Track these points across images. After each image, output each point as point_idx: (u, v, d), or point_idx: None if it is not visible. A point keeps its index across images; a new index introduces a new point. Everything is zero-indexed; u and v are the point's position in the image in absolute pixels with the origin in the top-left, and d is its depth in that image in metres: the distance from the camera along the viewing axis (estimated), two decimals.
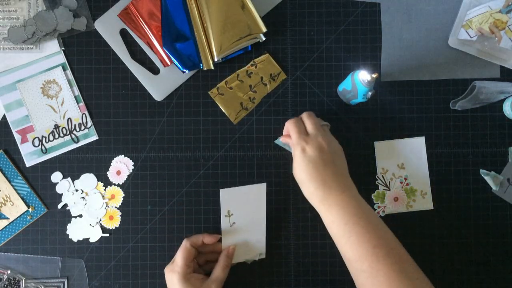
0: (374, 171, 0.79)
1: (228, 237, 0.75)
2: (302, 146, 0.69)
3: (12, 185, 0.79)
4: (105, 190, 0.80)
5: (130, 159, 0.80)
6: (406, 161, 0.77)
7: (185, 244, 0.72)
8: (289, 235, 0.79)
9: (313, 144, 0.69)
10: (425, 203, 0.78)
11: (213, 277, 0.71)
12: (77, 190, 0.80)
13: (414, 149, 0.77)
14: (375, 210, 0.78)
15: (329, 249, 0.79)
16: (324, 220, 0.69)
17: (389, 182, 0.78)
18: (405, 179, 0.78)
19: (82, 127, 0.80)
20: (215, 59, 0.78)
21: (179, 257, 0.71)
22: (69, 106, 0.80)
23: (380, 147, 0.78)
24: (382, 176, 0.78)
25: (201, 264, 0.75)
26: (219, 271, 0.71)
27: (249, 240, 0.75)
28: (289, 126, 0.72)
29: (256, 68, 0.80)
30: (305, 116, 0.73)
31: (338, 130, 0.80)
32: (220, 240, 0.75)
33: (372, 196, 0.78)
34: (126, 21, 0.80)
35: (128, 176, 0.80)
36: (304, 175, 0.69)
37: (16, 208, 0.79)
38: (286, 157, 0.80)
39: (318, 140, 0.70)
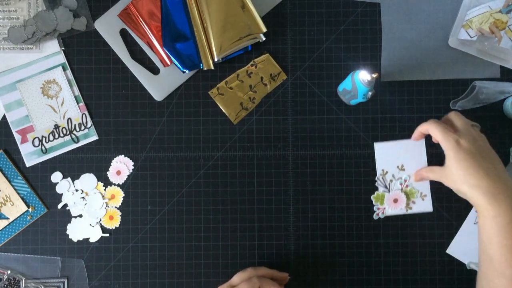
0: (374, 172, 0.79)
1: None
2: (455, 139, 0.65)
3: (12, 185, 0.79)
4: (105, 190, 0.80)
5: (130, 159, 0.80)
6: (406, 162, 0.77)
7: (254, 281, 0.68)
8: (289, 235, 0.79)
9: (466, 136, 0.66)
10: (424, 205, 0.77)
11: None
12: (77, 190, 0.80)
13: (414, 151, 0.77)
14: (374, 211, 0.79)
15: (329, 249, 0.79)
16: (481, 213, 0.63)
17: (389, 184, 0.78)
18: (405, 180, 0.77)
19: (82, 127, 0.80)
20: (215, 59, 0.78)
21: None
22: (69, 106, 0.80)
23: (380, 148, 0.78)
24: (382, 177, 0.78)
25: None
26: None
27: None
28: (432, 125, 0.68)
29: (256, 68, 0.80)
30: (452, 115, 0.70)
31: (338, 130, 0.80)
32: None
33: (372, 198, 0.78)
34: (126, 21, 0.80)
35: (128, 176, 0.80)
36: (464, 167, 0.64)
37: (16, 208, 0.79)
38: (286, 157, 0.80)
39: (471, 132, 0.67)
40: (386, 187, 0.78)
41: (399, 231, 0.79)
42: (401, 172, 0.77)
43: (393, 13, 0.81)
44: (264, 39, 0.79)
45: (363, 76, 0.70)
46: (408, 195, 0.77)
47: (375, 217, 0.78)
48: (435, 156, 0.79)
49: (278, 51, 0.81)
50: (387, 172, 0.77)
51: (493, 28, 0.78)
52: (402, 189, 0.77)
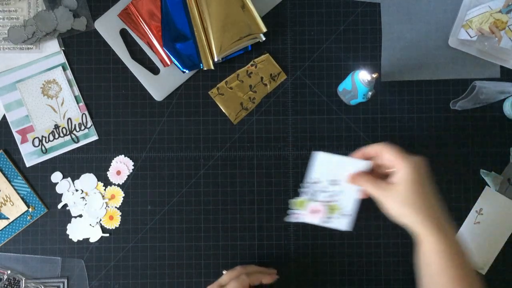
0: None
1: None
2: (415, 161, 0.62)
3: (12, 185, 0.79)
4: (105, 190, 0.80)
5: (130, 159, 0.80)
6: (341, 179, 0.69)
7: (243, 278, 0.69)
8: (289, 235, 0.79)
9: (423, 161, 0.63)
10: (340, 223, 0.70)
11: None
12: (77, 190, 0.80)
13: (355, 171, 0.68)
14: (287, 214, 0.73)
15: (329, 249, 0.79)
16: (427, 243, 0.60)
17: (315, 193, 0.70)
18: (334, 195, 0.70)
19: (82, 127, 0.80)
20: (215, 59, 0.78)
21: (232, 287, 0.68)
22: (69, 106, 0.80)
23: (321, 159, 0.69)
24: (311, 186, 0.70)
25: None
26: None
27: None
28: (388, 146, 0.64)
29: (256, 68, 0.80)
30: (388, 146, 0.65)
31: (338, 130, 0.80)
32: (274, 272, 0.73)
33: (291, 201, 0.71)
34: (126, 21, 0.80)
35: (128, 176, 0.80)
36: (420, 193, 0.61)
37: (16, 208, 0.79)
38: (286, 157, 0.80)
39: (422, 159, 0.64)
40: (311, 195, 0.70)
41: (399, 231, 0.79)
42: (332, 187, 0.70)
43: (393, 13, 0.81)
44: (264, 39, 0.79)
45: (363, 76, 0.70)
46: (330, 210, 0.70)
47: (286, 219, 0.74)
48: (435, 155, 0.79)
49: (278, 51, 0.81)
50: (318, 182, 0.70)
51: (493, 28, 0.78)
52: (326, 203, 0.70)
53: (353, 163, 0.67)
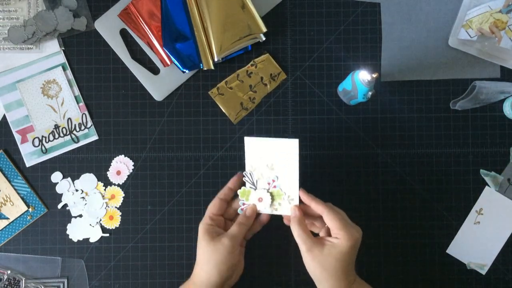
0: (375, 171, 0.79)
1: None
2: (360, 234, 0.66)
3: (12, 185, 0.79)
4: (105, 190, 0.80)
5: (130, 159, 0.80)
6: (276, 162, 0.70)
7: (215, 197, 0.71)
8: (289, 235, 0.79)
9: (360, 235, 0.67)
10: (285, 209, 0.71)
11: (228, 232, 0.69)
12: (77, 190, 0.80)
13: (286, 151, 0.69)
14: (239, 206, 0.73)
15: None
16: None
17: (256, 181, 0.71)
18: (273, 180, 0.71)
19: (82, 127, 0.80)
20: (215, 59, 0.78)
21: (207, 209, 0.71)
22: (69, 106, 0.80)
23: (251, 143, 0.71)
24: (250, 173, 0.72)
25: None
26: (233, 227, 0.69)
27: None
28: (333, 211, 0.66)
29: (256, 68, 0.80)
30: (332, 213, 0.68)
31: (338, 130, 0.80)
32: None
33: (238, 192, 0.72)
34: (126, 21, 0.80)
35: (128, 176, 0.80)
36: (348, 263, 0.65)
37: (16, 208, 0.79)
38: None
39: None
40: (253, 184, 0.72)
41: (399, 231, 0.79)
42: (270, 171, 0.71)
43: (393, 13, 0.81)
44: (264, 39, 0.79)
45: (363, 76, 0.70)
46: (273, 196, 0.71)
47: (239, 211, 0.73)
48: (435, 155, 0.79)
49: (278, 51, 0.81)
50: (255, 169, 0.71)
51: (493, 28, 0.78)
52: (268, 189, 0.71)
53: (283, 144, 0.69)
